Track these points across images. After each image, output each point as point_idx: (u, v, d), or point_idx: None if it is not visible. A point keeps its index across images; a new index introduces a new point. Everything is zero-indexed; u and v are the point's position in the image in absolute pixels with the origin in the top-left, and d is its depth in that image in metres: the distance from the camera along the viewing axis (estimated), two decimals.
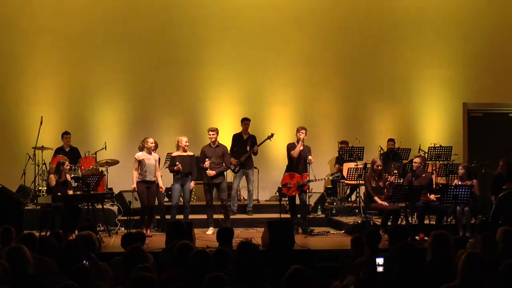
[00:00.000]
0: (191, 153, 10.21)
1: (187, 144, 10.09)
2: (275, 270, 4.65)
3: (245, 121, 11.53)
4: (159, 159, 10.30)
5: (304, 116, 12.83)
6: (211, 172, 9.97)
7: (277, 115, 12.89)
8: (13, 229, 5.93)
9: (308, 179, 9.86)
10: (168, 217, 10.18)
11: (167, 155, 11.38)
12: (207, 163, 10.00)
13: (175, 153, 10.14)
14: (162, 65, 12.77)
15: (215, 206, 10.26)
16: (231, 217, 10.34)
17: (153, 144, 9.99)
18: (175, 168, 9.96)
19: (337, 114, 13.18)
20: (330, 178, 10.26)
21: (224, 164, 10.17)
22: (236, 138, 11.35)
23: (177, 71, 12.78)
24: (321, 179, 10.23)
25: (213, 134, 10.10)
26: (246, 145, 11.31)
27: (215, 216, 10.16)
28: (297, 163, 9.95)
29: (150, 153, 9.89)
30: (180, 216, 10.00)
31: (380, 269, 4.72)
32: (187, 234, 7.48)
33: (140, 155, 9.86)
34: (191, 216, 10.27)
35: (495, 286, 4.20)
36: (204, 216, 10.26)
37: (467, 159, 12.52)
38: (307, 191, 10.02)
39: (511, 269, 4.13)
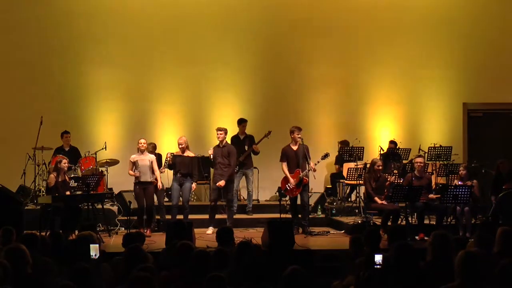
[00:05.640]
0: (192, 154, 10.22)
1: (181, 145, 10.10)
2: (275, 270, 4.66)
3: (242, 123, 11.51)
4: (155, 159, 10.30)
5: (304, 115, 12.83)
6: (221, 184, 9.97)
7: (277, 114, 12.87)
8: (13, 230, 5.93)
9: (301, 173, 9.85)
10: (168, 217, 10.19)
11: (167, 155, 11.38)
12: (210, 151, 10.04)
13: (176, 153, 10.19)
14: (162, 65, 12.78)
15: (217, 206, 10.26)
16: None
17: (145, 145, 10.06)
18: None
19: (337, 114, 13.18)
20: (319, 161, 10.15)
21: (229, 165, 10.10)
22: (233, 139, 11.35)
23: (177, 71, 12.80)
24: (315, 164, 10.04)
25: (220, 134, 10.11)
26: (243, 145, 11.31)
27: (216, 216, 10.17)
28: (293, 163, 9.92)
29: (143, 154, 9.95)
30: (180, 216, 10.01)
31: (378, 267, 4.73)
32: (187, 234, 7.49)
33: (135, 156, 10.00)
34: (191, 216, 10.27)
35: (494, 286, 4.20)
36: (204, 216, 10.26)
37: (467, 159, 12.52)
38: (308, 187, 10.01)
39: (507, 270, 4.14)
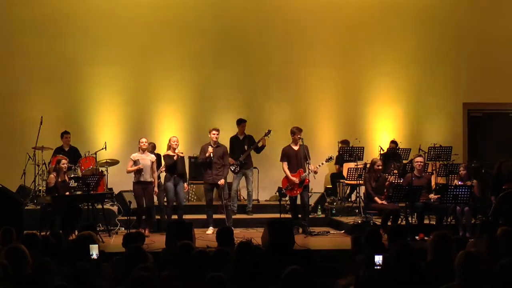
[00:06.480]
0: (181, 154, 10.24)
1: (177, 143, 10.11)
2: (275, 270, 4.65)
3: (242, 123, 11.52)
4: (156, 160, 10.29)
5: (304, 115, 12.83)
6: (222, 182, 10.02)
7: (277, 114, 12.88)
8: (13, 230, 5.93)
9: (304, 174, 9.84)
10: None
11: (164, 157, 11.40)
12: (210, 149, 9.99)
13: (167, 153, 10.17)
14: (162, 65, 12.78)
15: (215, 206, 10.28)
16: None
17: (146, 144, 10.06)
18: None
19: (337, 114, 13.18)
20: (322, 164, 10.15)
21: (224, 166, 10.18)
22: (233, 140, 11.35)
23: (177, 71, 12.80)
24: (317, 167, 10.05)
25: (217, 134, 10.14)
26: (243, 145, 11.31)
27: (214, 216, 10.19)
28: (294, 163, 9.93)
29: (144, 153, 9.95)
30: (175, 217, 10.01)
31: (379, 267, 4.73)
32: (187, 234, 7.50)
33: (136, 155, 9.97)
34: (191, 216, 10.28)
35: (495, 286, 4.21)
36: (204, 216, 10.26)
37: (467, 159, 12.52)
38: (308, 187, 10.02)
39: (507, 270, 4.14)
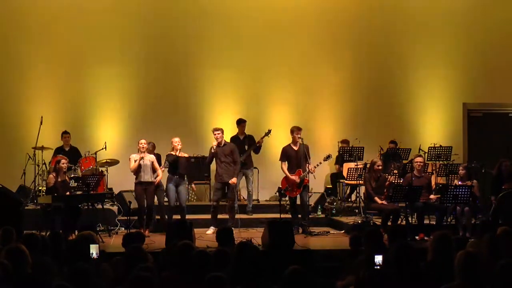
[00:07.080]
0: (186, 155, 10.23)
1: (180, 144, 10.11)
2: (275, 270, 4.66)
3: (242, 123, 11.52)
4: (156, 159, 10.28)
5: (304, 115, 12.83)
6: (234, 181, 9.99)
7: (277, 114, 12.88)
8: (13, 230, 5.93)
9: (303, 174, 9.84)
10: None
11: (166, 156, 11.40)
12: (214, 146, 9.99)
13: (169, 153, 10.18)
14: (162, 65, 12.77)
15: (221, 206, 10.26)
16: None
17: (145, 145, 10.04)
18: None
19: (337, 114, 13.18)
20: (321, 163, 10.16)
21: (234, 163, 10.12)
22: (233, 140, 11.33)
23: (177, 71, 12.80)
24: (315, 167, 10.05)
25: (218, 134, 10.10)
26: (243, 145, 11.30)
27: (217, 216, 10.18)
28: (294, 163, 9.92)
29: (143, 154, 9.96)
30: (177, 217, 10.01)
31: (379, 267, 4.74)
32: (187, 234, 7.50)
33: (135, 156, 9.95)
34: (191, 216, 10.26)
35: (495, 286, 4.21)
36: (204, 216, 10.25)
37: (467, 159, 12.53)
38: (308, 187, 10.01)
39: (507, 270, 4.14)
